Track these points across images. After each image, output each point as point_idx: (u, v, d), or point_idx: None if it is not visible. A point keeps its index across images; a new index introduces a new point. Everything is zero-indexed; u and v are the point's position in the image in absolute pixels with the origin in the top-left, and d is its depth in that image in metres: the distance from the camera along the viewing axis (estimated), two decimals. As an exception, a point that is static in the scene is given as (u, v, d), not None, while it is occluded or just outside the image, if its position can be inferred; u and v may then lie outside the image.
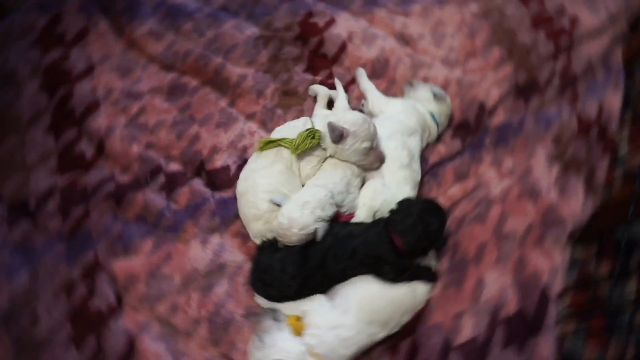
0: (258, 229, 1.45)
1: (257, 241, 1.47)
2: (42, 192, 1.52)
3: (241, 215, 1.49)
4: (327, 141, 1.47)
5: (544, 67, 1.86)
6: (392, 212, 1.39)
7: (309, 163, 1.50)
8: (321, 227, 1.34)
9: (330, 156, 1.53)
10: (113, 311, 1.37)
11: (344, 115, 1.50)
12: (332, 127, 1.42)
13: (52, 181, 1.53)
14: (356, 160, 1.50)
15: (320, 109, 1.69)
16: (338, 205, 1.43)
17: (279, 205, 1.39)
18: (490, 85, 1.85)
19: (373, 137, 1.47)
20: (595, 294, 1.31)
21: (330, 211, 1.37)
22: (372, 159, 1.51)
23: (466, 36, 2.01)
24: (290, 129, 1.52)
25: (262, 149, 1.49)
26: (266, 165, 1.46)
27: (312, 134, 1.45)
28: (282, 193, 1.43)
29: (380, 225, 1.37)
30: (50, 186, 1.53)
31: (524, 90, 1.85)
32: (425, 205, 1.36)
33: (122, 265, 1.43)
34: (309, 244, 1.35)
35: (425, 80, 1.86)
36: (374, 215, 1.49)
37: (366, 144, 1.45)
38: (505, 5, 2.05)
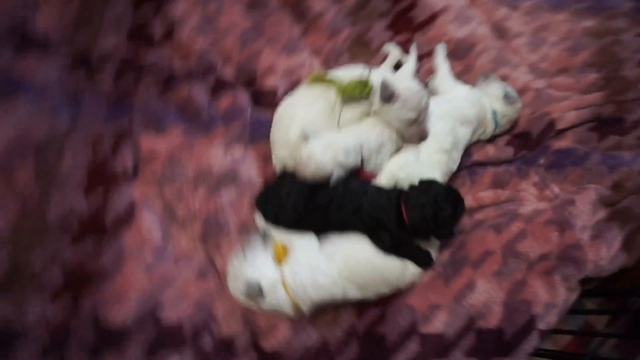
0: (282, 156, 1.46)
1: (278, 167, 1.48)
2: (105, 53, 1.60)
3: (271, 138, 1.51)
4: (376, 97, 1.44)
5: (636, 110, 1.70)
6: (411, 186, 1.35)
7: (351, 111, 1.48)
8: (337, 173, 1.33)
9: (375, 113, 1.50)
10: (126, 177, 1.45)
11: (401, 78, 1.46)
12: (384, 85, 1.39)
13: (117, 46, 1.61)
14: (397, 127, 1.46)
15: (385, 68, 1.65)
16: (363, 159, 1.41)
17: (307, 138, 1.39)
18: (570, 107, 1.72)
19: (421, 110, 1.42)
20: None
21: (352, 161, 1.36)
22: (413, 132, 1.46)
23: (566, 50, 1.87)
24: (346, 72, 1.50)
25: (312, 81, 1.48)
26: (310, 99, 1.46)
27: (364, 84, 1.43)
28: (317, 128, 1.42)
29: (394, 193, 1.34)
30: (114, 50, 1.61)
31: (604, 125, 1.70)
32: (445, 190, 1.30)
33: (148, 141, 1.50)
34: (322, 185, 1.35)
35: (504, 78, 1.75)
36: (395, 185, 1.46)
37: (412, 115, 1.41)
38: (623, 32, 1.87)
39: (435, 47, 1.79)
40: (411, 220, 1.27)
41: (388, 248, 1.34)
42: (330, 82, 1.46)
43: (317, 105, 1.45)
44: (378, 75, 1.51)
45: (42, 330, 1.28)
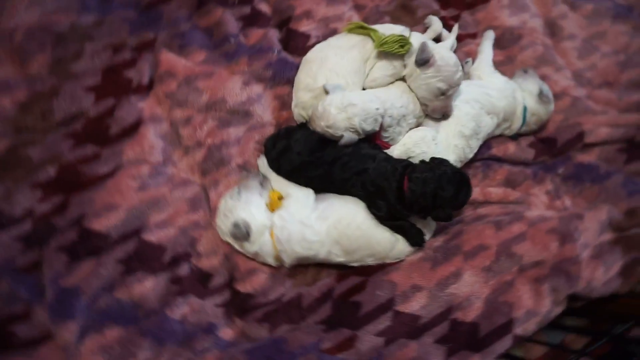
0: (303, 100, 1.41)
1: (296, 111, 1.44)
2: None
3: (296, 79, 1.45)
4: (411, 59, 1.38)
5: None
6: (422, 161, 1.31)
7: (383, 69, 1.41)
8: (348, 136, 1.28)
9: (403, 79, 1.44)
10: (140, 90, 1.42)
11: (441, 47, 1.40)
12: (423, 48, 1.33)
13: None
14: (423, 96, 1.40)
15: (425, 37, 1.58)
16: (382, 127, 1.36)
17: (327, 93, 1.34)
18: (604, 122, 1.64)
19: (452, 83, 1.36)
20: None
21: (369, 127, 1.31)
22: (437, 105, 1.41)
23: (617, 64, 1.78)
24: (387, 29, 1.43)
25: (350, 30, 1.42)
26: (345, 47, 1.40)
27: (403, 42, 1.36)
28: (343, 80, 1.37)
29: (402, 164, 1.30)
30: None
31: (635, 148, 1.63)
32: (453, 172, 1.24)
33: (169, 59, 1.45)
34: (332, 141, 1.31)
35: (543, 78, 1.67)
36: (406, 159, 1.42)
37: (442, 85, 1.35)
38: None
39: (485, 32, 1.70)
40: (410, 193, 1.23)
41: (383, 217, 1.31)
42: (369, 32, 1.39)
43: (351, 54, 1.39)
44: (417, 38, 1.44)
45: (27, 222, 1.29)
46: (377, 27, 1.43)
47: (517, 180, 1.57)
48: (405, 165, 1.29)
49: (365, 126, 1.30)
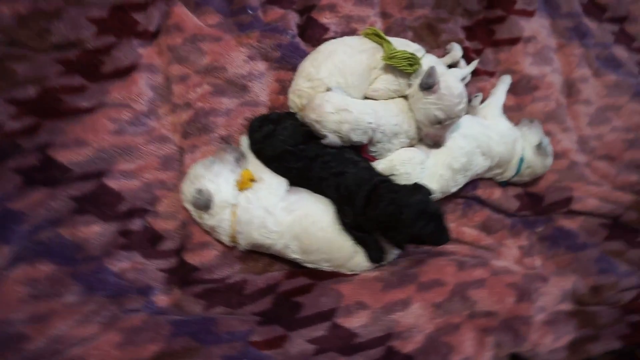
0: (300, 88, 1.37)
1: (291, 97, 1.41)
2: None
3: (300, 66, 1.41)
4: (417, 80, 1.35)
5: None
6: (404, 185, 1.27)
7: (387, 82, 1.38)
8: (331, 138, 1.26)
9: (405, 98, 1.41)
10: (145, 35, 1.37)
11: (450, 75, 1.36)
12: (430, 72, 1.30)
13: None
14: (419, 120, 1.38)
15: (439, 61, 1.55)
16: (371, 140, 1.33)
17: (329, 90, 1.32)
18: (595, 194, 1.62)
19: (451, 114, 1.33)
20: None
21: (356, 137, 1.28)
22: (431, 132, 1.38)
23: (625, 140, 1.77)
24: (402, 44, 1.40)
25: (367, 34, 1.39)
26: (356, 48, 1.37)
27: (412, 61, 1.33)
28: (343, 80, 1.34)
29: (379, 178, 1.27)
30: None
31: (618, 228, 1.60)
32: (424, 202, 1.19)
33: (181, 14, 1.40)
34: (318, 137, 1.28)
35: (547, 134, 1.64)
36: (388, 175, 1.39)
37: (440, 114, 1.32)
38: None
39: (503, 76, 1.68)
40: (373, 206, 1.20)
41: (348, 225, 1.28)
42: (383, 41, 1.36)
43: (359, 57, 1.36)
44: (429, 62, 1.41)
45: (-8, 134, 1.25)
46: (392, 39, 1.40)
47: (494, 227, 1.55)
48: (383, 179, 1.26)
49: (353, 136, 1.27)
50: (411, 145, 1.44)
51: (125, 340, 1.12)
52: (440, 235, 1.22)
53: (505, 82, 1.67)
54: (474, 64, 1.61)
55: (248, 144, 1.38)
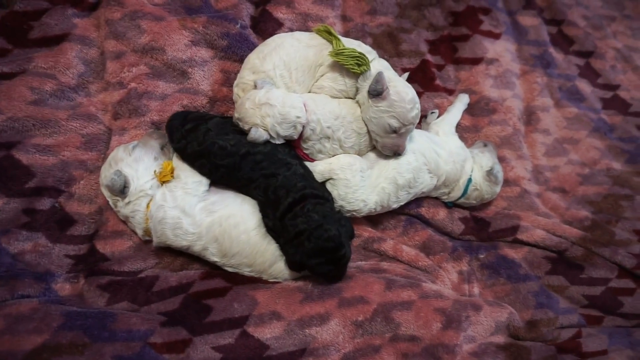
0: (244, 81, 1.30)
1: (235, 90, 1.33)
2: None
3: (247, 58, 1.34)
4: (365, 85, 1.29)
5: (600, 269, 1.53)
6: (330, 205, 1.25)
7: (332, 81, 1.32)
8: (254, 132, 1.19)
9: (359, 103, 1.35)
10: (82, 5, 1.32)
11: (399, 81, 1.30)
12: (378, 78, 1.23)
13: None
14: (373, 130, 1.32)
15: (391, 71, 1.48)
16: (301, 136, 1.27)
17: (255, 87, 1.26)
18: (543, 226, 1.56)
19: (405, 121, 1.27)
20: None
21: (284, 132, 1.22)
22: (387, 142, 1.31)
23: (579, 175, 1.75)
24: (354, 45, 1.34)
25: (318, 31, 1.33)
26: (304, 43, 1.31)
27: (360, 61, 1.26)
28: (287, 73, 1.28)
29: (312, 190, 1.22)
30: None
31: (562, 263, 1.55)
32: (336, 243, 1.16)
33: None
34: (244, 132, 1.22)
35: (501, 160, 1.60)
36: (324, 180, 1.32)
37: (393, 122, 1.26)
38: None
39: (461, 94, 1.64)
40: (292, 216, 1.17)
41: (268, 226, 1.21)
42: (333, 38, 1.29)
43: (306, 51, 1.30)
44: (379, 66, 1.35)
45: None
46: (345, 39, 1.34)
47: (435, 249, 1.48)
48: (315, 194, 1.21)
49: (280, 130, 1.21)
50: (359, 153, 1.37)
51: (6, 328, 1.01)
52: (331, 279, 1.23)
53: (462, 101, 1.63)
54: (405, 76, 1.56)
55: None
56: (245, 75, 1.30)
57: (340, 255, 1.17)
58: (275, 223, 1.18)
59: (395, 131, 1.28)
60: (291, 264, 1.21)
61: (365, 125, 1.34)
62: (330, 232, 1.15)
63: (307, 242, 1.14)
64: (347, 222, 1.23)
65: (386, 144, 1.32)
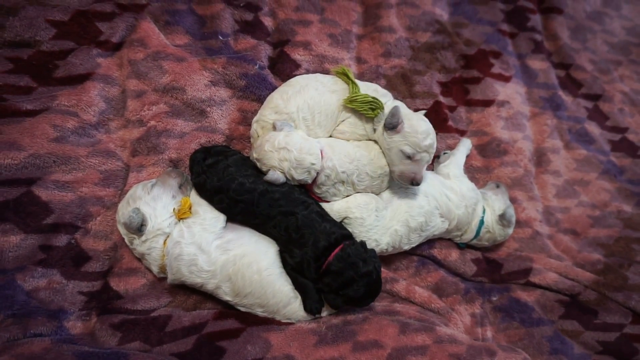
0: (265, 119, 1.31)
1: (254, 126, 1.34)
2: None
3: (268, 98, 1.36)
4: (380, 124, 1.31)
5: (614, 314, 1.51)
6: (362, 243, 1.26)
7: (353, 126, 1.35)
8: (272, 174, 1.21)
9: (376, 139, 1.36)
10: (106, 45, 1.34)
11: (414, 115, 1.33)
12: (394, 112, 1.26)
13: None
14: (390, 161, 1.33)
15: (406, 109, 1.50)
16: (315, 181, 1.28)
17: (274, 128, 1.28)
18: (556, 269, 1.56)
19: (419, 148, 1.28)
20: None
21: (298, 176, 1.23)
22: (402, 169, 1.31)
23: (590, 217, 1.74)
24: (370, 90, 1.36)
25: (336, 72, 1.36)
26: (328, 87, 1.34)
27: (375, 105, 1.29)
28: (311, 117, 1.30)
29: (341, 232, 1.24)
30: None
31: (576, 307, 1.53)
32: (376, 279, 1.22)
33: (147, 29, 1.37)
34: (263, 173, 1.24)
35: (513, 200, 1.60)
36: (340, 220, 1.32)
37: (406, 148, 1.27)
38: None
39: (463, 139, 1.66)
40: (333, 261, 1.19)
41: (292, 267, 1.21)
42: (350, 83, 1.32)
43: (330, 96, 1.33)
44: (395, 104, 1.37)
45: None
46: (362, 83, 1.36)
47: (447, 290, 1.47)
48: (346, 234, 1.25)
49: (295, 174, 1.23)
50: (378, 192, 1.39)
51: (18, 369, 0.99)
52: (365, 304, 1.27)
53: (464, 145, 1.63)
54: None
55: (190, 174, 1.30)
56: (267, 114, 1.32)
57: (380, 288, 1.25)
58: (302, 262, 1.20)
59: (409, 157, 1.29)
60: (314, 308, 1.23)
61: (378, 169, 1.35)
62: (374, 275, 1.21)
63: (354, 285, 1.19)
64: (374, 252, 1.25)
65: (403, 172, 1.31)
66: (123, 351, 1.11)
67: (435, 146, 1.32)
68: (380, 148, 1.36)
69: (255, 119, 1.36)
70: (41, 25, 1.26)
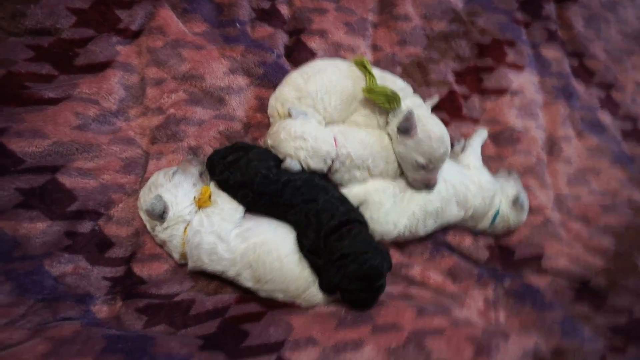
0: (286, 97, 1.33)
1: (272, 103, 1.37)
2: None
3: (286, 77, 1.38)
4: (394, 121, 1.32)
5: (625, 298, 1.55)
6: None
7: (366, 117, 1.36)
8: (289, 162, 1.23)
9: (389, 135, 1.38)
10: (125, 33, 1.35)
11: (429, 119, 1.34)
12: (407, 117, 1.27)
13: None
14: (403, 165, 1.35)
15: (423, 103, 1.51)
16: (328, 168, 1.30)
17: (289, 115, 1.29)
18: (567, 255, 1.58)
19: (433, 159, 1.29)
20: None
21: (314, 165, 1.26)
22: (416, 177, 1.33)
23: (601, 205, 1.76)
24: (390, 80, 1.38)
25: (355, 62, 1.37)
26: (345, 72, 1.36)
27: (392, 98, 1.30)
28: (328, 98, 1.32)
29: (355, 213, 1.25)
30: None
31: (587, 292, 1.56)
32: (377, 272, 1.19)
33: (166, 17, 1.38)
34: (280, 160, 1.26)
35: (525, 188, 1.61)
36: (359, 204, 1.34)
37: (420, 159, 1.29)
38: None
39: (479, 129, 1.66)
40: (337, 238, 1.18)
41: (305, 249, 1.23)
42: (367, 73, 1.33)
43: (346, 82, 1.34)
44: (412, 104, 1.38)
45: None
46: (382, 73, 1.37)
47: (461, 275, 1.49)
48: (359, 219, 1.25)
49: (311, 162, 1.25)
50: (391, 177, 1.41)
51: (51, 351, 1.01)
52: (361, 307, 1.24)
53: (480, 135, 1.64)
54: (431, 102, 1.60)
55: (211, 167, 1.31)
56: (287, 91, 1.34)
57: (378, 285, 1.20)
58: (316, 243, 1.20)
59: (423, 167, 1.31)
60: (327, 285, 1.22)
61: (392, 154, 1.37)
62: (374, 260, 1.17)
63: (352, 264, 1.15)
64: (388, 255, 1.24)
65: (416, 179, 1.35)
66: (149, 334, 1.13)
67: (448, 153, 1.33)
68: (393, 146, 1.37)
69: (273, 96, 1.37)
70: (62, 12, 1.26)
